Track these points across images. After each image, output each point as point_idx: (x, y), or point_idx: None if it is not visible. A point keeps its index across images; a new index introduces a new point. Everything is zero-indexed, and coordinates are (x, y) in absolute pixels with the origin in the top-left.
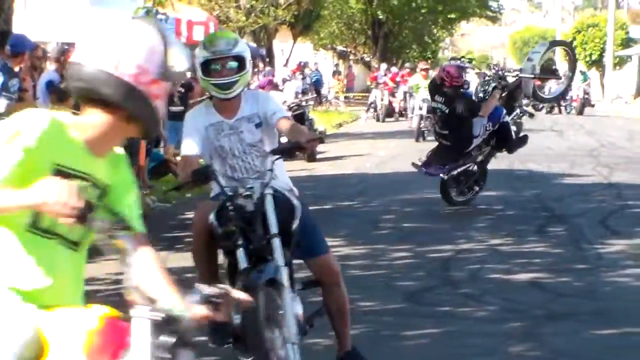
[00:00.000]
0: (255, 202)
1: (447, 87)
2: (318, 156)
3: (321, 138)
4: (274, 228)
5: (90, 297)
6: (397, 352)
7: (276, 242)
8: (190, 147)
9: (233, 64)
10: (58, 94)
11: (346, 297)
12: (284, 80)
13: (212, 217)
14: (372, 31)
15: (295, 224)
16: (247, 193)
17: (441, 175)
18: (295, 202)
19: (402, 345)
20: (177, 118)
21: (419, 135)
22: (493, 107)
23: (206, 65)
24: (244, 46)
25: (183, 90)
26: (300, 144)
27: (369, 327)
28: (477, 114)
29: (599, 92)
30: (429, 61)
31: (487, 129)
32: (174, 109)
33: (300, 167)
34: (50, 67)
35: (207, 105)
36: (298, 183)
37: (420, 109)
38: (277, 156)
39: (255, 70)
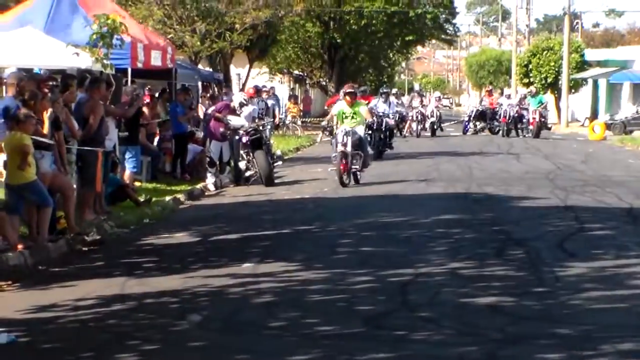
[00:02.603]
0: None
1: None
2: (276, 181)
3: None
4: None
5: (50, 323)
6: None
7: None
8: None
9: None
10: (14, 120)
11: None
12: (241, 105)
13: None
14: (329, 55)
15: None
16: None
17: None
18: None
19: None
20: (131, 142)
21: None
22: None
23: None
24: None
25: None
26: None
27: (325, 352)
28: None
29: (555, 115)
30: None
31: None
32: (121, 134)
33: (257, 191)
34: (6, 94)
35: None
36: (256, 207)
37: (344, 144)
38: None
39: (211, 94)
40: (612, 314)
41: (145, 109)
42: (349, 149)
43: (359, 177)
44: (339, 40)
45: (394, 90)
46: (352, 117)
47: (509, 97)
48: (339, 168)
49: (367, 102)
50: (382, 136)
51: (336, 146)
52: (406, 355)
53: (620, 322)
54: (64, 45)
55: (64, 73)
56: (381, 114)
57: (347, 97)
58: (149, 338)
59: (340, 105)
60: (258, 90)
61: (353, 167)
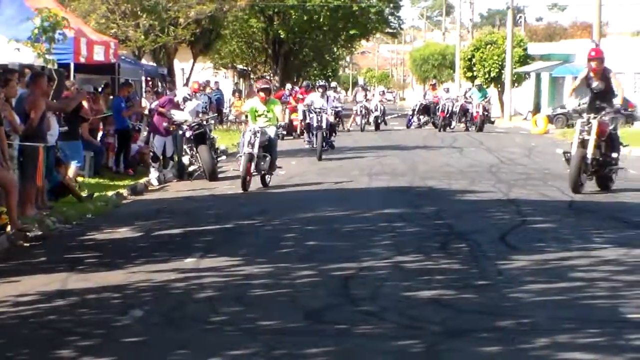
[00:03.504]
0: None
1: None
2: (219, 175)
3: None
4: None
5: None
6: None
7: None
8: None
9: None
10: None
11: None
12: (185, 100)
13: None
14: (273, 50)
15: None
16: None
17: None
18: None
19: None
20: (71, 137)
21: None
22: None
23: None
24: None
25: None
26: None
27: (266, 346)
28: None
29: (498, 109)
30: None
31: None
32: (61, 129)
33: (201, 186)
34: None
35: None
36: (199, 202)
37: (251, 144)
38: None
39: (155, 89)
40: (553, 306)
41: (85, 104)
42: (255, 150)
43: (267, 180)
44: (282, 35)
45: (334, 84)
46: (265, 116)
47: (447, 90)
48: (243, 171)
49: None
50: (323, 134)
51: (243, 146)
52: (347, 349)
53: (560, 315)
54: (6, 40)
55: (4, 68)
56: (319, 110)
57: (261, 94)
58: (90, 334)
59: (253, 102)
60: (201, 86)
61: (260, 170)
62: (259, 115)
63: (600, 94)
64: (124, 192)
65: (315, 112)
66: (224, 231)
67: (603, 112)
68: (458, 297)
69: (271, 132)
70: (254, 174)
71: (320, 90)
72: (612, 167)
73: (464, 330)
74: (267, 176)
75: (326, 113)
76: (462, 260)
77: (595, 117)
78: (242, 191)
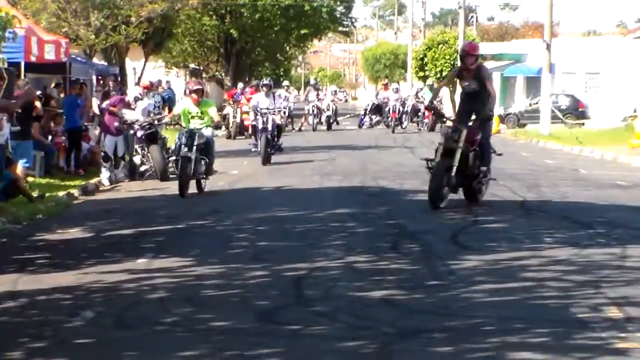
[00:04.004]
0: None
1: None
2: (170, 175)
3: None
4: None
5: None
6: None
7: None
8: None
9: None
10: None
11: None
12: (136, 99)
13: None
14: (225, 49)
15: None
16: None
17: None
18: None
19: None
20: (24, 137)
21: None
22: None
23: None
24: None
25: (20, 111)
26: None
27: (217, 347)
28: None
29: (450, 109)
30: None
31: None
32: (14, 128)
33: (152, 186)
34: None
35: None
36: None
37: (188, 147)
38: None
39: (107, 88)
40: (504, 306)
41: (37, 103)
42: (192, 153)
43: (203, 185)
44: (234, 34)
45: (286, 83)
46: (199, 117)
47: (396, 91)
48: (181, 175)
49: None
50: (268, 137)
51: (178, 150)
52: (299, 349)
53: (511, 315)
54: None
55: None
56: (265, 110)
57: (194, 95)
58: (40, 335)
59: (185, 103)
60: (153, 85)
61: (197, 174)
62: (192, 117)
63: (473, 95)
64: (75, 192)
65: (261, 114)
66: (176, 231)
67: (474, 118)
68: (409, 297)
69: (207, 133)
70: (196, 175)
71: (265, 89)
72: (481, 180)
73: (416, 330)
74: (202, 181)
75: (273, 114)
76: (414, 260)
77: (464, 124)
78: (180, 197)
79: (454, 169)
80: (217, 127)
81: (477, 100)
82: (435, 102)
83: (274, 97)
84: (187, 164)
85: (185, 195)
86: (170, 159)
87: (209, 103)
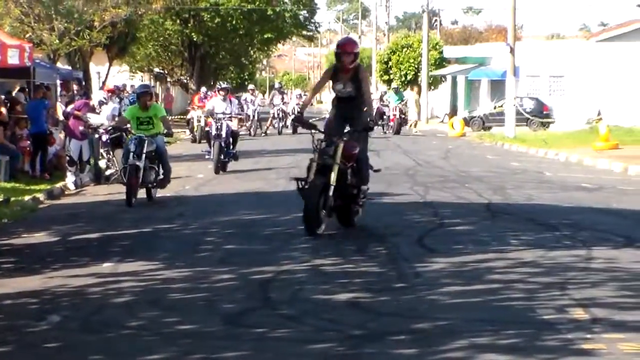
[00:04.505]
0: None
1: None
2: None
3: None
4: None
5: None
6: None
7: None
8: None
9: None
10: None
11: None
12: (101, 103)
13: None
14: (189, 53)
15: None
16: None
17: None
18: None
19: None
20: None
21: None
22: None
23: None
24: None
25: None
26: None
27: (183, 351)
28: None
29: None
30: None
31: None
32: None
33: (118, 190)
34: None
35: None
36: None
37: (137, 155)
38: None
39: (71, 93)
40: (470, 308)
41: (3, 109)
42: (141, 161)
43: (153, 194)
44: (197, 38)
45: (251, 87)
46: (148, 123)
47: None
48: (128, 184)
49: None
50: (222, 144)
51: (126, 157)
52: (266, 352)
53: (477, 317)
54: None
55: None
56: (220, 115)
57: (141, 99)
58: (5, 340)
59: (134, 108)
60: (118, 89)
61: (147, 182)
62: (141, 123)
63: (348, 101)
64: (41, 196)
65: (215, 119)
66: (142, 235)
67: (348, 129)
68: (376, 299)
69: (159, 141)
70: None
71: (222, 93)
72: (359, 201)
73: (382, 332)
74: (153, 190)
75: (229, 119)
76: (380, 263)
77: (339, 135)
78: (127, 206)
79: (332, 188)
80: (168, 134)
81: (353, 107)
82: (302, 111)
83: (230, 102)
84: (134, 172)
85: (132, 205)
86: (107, 172)
87: (158, 109)
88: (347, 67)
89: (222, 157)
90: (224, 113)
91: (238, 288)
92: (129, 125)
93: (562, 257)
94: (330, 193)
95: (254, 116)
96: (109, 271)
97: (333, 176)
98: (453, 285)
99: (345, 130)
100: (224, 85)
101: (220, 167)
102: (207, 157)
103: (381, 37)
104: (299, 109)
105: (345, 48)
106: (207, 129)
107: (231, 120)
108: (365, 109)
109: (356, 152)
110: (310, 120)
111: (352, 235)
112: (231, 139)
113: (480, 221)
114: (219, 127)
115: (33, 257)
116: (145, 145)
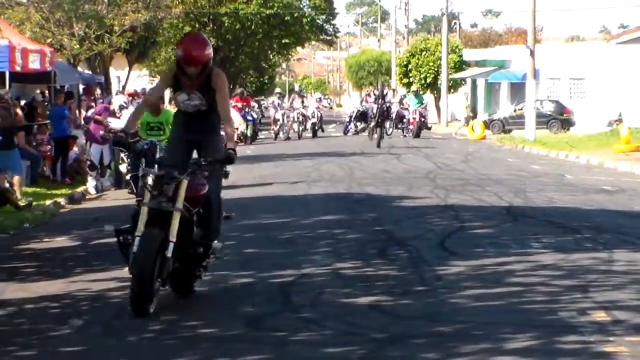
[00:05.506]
0: None
1: None
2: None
3: None
4: None
5: None
6: None
7: None
8: None
9: None
10: None
11: None
12: (121, 107)
13: None
14: None
15: None
16: None
17: None
18: None
19: None
20: (8, 147)
21: None
22: None
23: None
24: None
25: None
26: None
27: (205, 354)
28: None
29: (435, 115)
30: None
31: None
32: None
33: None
34: None
35: None
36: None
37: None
38: None
39: (92, 97)
40: (491, 311)
41: (19, 112)
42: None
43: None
44: (215, 43)
45: (277, 90)
46: (158, 128)
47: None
48: (138, 194)
49: (244, 104)
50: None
51: (134, 165)
52: (287, 356)
53: (498, 320)
54: None
55: None
56: None
57: None
58: (28, 344)
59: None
60: (137, 94)
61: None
62: (151, 128)
63: (196, 118)
64: (62, 201)
65: None
66: None
67: (200, 159)
68: (397, 303)
69: None
70: None
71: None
72: (205, 264)
73: (403, 336)
74: None
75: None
76: (401, 267)
77: (183, 169)
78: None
79: (171, 246)
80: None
81: (203, 128)
82: (127, 131)
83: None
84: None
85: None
86: (127, 177)
87: (169, 114)
88: (194, 73)
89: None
90: None
91: (258, 292)
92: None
93: (583, 259)
94: (169, 254)
95: (282, 120)
96: (129, 275)
97: (173, 228)
98: (474, 288)
99: (192, 162)
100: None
101: None
102: None
103: (400, 40)
104: (123, 129)
105: (191, 55)
106: None
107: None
108: (222, 133)
109: (204, 193)
110: (332, 125)
111: (372, 239)
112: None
113: (500, 224)
114: None
115: (54, 262)
116: (157, 151)
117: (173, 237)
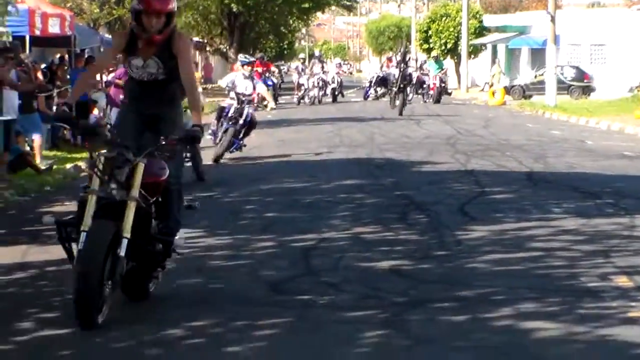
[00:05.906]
0: None
1: None
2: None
3: None
4: None
5: None
6: (249, 340)
7: None
8: None
9: None
10: None
11: None
12: None
13: None
14: (228, 22)
15: None
16: None
17: None
18: None
19: (256, 335)
20: (28, 110)
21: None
22: None
23: None
24: None
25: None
26: None
27: (228, 317)
28: None
29: (455, 81)
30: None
31: None
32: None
33: None
34: None
35: None
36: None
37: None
38: None
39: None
40: (512, 276)
41: (40, 76)
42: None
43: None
44: (235, 8)
45: (317, 53)
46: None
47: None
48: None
49: (264, 69)
50: (236, 131)
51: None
52: (311, 319)
53: (519, 284)
54: None
55: None
56: (243, 98)
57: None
58: (50, 306)
59: (234, 77)
60: None
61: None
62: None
63: (154, 87)
64: (82, 164)
65: (239, 100)
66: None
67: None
68: (417, 267)
69: (251, 110)
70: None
71: (248, 69)
72: (163, 263)
73: (424, 300)
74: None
75: (251, 103)
76: (421, 231)
77: (137, 147)
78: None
79: (124, 243)
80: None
81: (162, 100)
82: (71, 103)
83: (252, 79)
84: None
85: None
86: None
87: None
88: (152, 36)
89: (229, 145)
90: (243, 94)
91: (280, 256)
92: None
93: (605, 224)
94: (122, 252)
95: (307, 85)
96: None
97: (127, 222)
98: (494, 253)
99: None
100: (248, 59)
101: (221, 156)
102: (209, 136)
103: (420, 5)
104: (66, 101)
105: (152, 4)
106: (223, 104)
107: (251, 104)
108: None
109: (164, 179)
110: (351, 91)
111: (392, 204)
112: (244, 130)
113: (521, 189)
114: (239, 110)
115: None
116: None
117: (127, 232)
